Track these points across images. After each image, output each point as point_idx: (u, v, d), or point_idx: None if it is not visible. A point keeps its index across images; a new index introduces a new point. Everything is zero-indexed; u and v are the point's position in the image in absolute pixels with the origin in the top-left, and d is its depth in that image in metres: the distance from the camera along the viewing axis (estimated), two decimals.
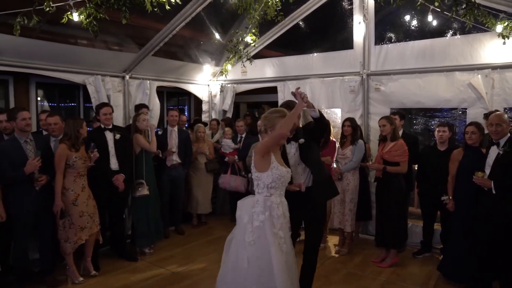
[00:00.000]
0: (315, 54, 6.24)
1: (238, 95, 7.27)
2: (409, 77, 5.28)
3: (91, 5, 3.60)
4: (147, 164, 4.96)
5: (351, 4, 5.66)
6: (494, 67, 4.69)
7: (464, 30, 4.54)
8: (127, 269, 4.60)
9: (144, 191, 4.82)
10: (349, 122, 5.02)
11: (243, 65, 5.88)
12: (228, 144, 6.11)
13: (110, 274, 4.43)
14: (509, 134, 3.62)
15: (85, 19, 3.65)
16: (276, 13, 4.90)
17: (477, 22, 4.29)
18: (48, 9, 3.49)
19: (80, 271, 4.27)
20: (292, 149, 3.23)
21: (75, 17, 3.65)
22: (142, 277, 4.40)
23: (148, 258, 4.92)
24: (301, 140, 3.17)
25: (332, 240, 5.47)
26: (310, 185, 3.22)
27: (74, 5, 3.64)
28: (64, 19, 3.67)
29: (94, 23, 3.68)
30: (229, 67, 6.51)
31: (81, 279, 4.17)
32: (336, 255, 5.06)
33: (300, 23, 6.23)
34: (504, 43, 4.36)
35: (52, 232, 4.06)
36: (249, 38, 5.39)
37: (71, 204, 3.99)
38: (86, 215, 4.07)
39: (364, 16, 5.47)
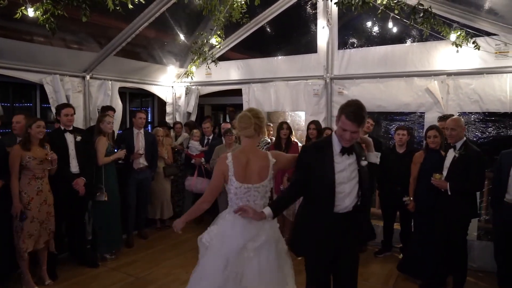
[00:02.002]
0: (280, 57, 6.31)
1: (202, 97, 7.21)
2: (371, 82, 5.45)
3: (48, 1, 3.44)
4: (107, 169, 4.78)
5: (315, 8, 5.77)
6: (449, 74, 4.94)
7: (422, 38, 4.75)
8: (87, 276, 4.43)
9: (102, 197, 4.65)
10: (314, 125, 5.11)
11: (208, 67, 5.85)
12: (195, 146, 6.05)
13: (68, 282, 4.24)
14: (464, 138, 3.82)
15: (42, 16, 3.48)
16: (241, 15, 4.91)
17: (434, 30, 4.50)
18: None
19: (36, 279, 4.06)
20: (344, 162, 2.53)
21: (30, 12, 3.47)
22: (104, 283, 4.24)
23: (109, 264, 4.76)
24: (364, 163, 2.57)
25: None
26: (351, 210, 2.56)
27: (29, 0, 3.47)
28: (18, 14, 3.48)
29: (52, 20, 3.51)
30: (193, 68, 6.45)
31: None
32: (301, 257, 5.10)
33: (265, 26, 6.27)
34: (457, 51, 4.60)
35: (8, 238, 3.85)
36: (214, 40, 5.37)
37: (24, 207, 3.81)
38: (36, 221, 3.88)
39: (328, 21, 5.59)
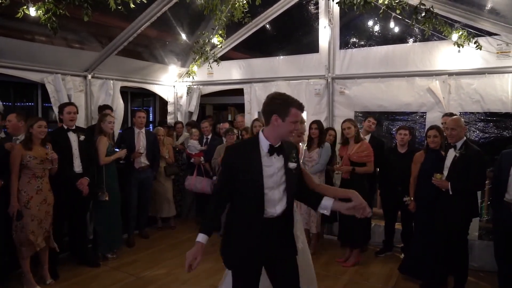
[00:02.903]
0: (281, 57, 6.31)
1: (203, 96, 7.21)
2: (372, 81, 5.45)
3: (49, 0, 3.44)
4: (108, 168, 4.78)
5: (317, 8, 5.77)
6: (451, 74, 4.94)
7: (423, 38, 4.74)
8: (88, 275, 4.43)
9: (103, 197, 4.65)
10: (316, 124, 5.10)
11: (210, 66, 5.85)
12: (194, 146, 6.05)
13: (69, 282, 4.25)
14: (465, 138, 3.82)
15: (43, 15, 3.48)
16: (243, 15, 4.91)
17: (435, 30, 4.49)
18: (0, 1, 3.30)
19: (37, 279, 4.06)
20: (273, 164, 2.36)
21: (32, 12, 3.48)
22: (104, 283, 4.25)
23: (110, 263, 4.77)
24: (292, 165, 2.40)
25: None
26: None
27: None
28: (20, 13, 3.48)
29: (53, 19, 3.51)
30: (195, 68, 6.46)
31: (37, 287, 3.96)
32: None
33: (267, 25, 6.27)
34: (459, 51, 4.59)
35: (6, 237, 3.85)
36: (215, 40, 5.36)
37: (23, 206, 3.82)
38: (35, 220, 3.89)
39: (330, 20, 5.59)
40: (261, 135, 2.36)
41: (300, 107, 2.31)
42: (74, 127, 4.48)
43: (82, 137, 4.48)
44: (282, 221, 2.39)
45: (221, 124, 6.68)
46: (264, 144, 2.33)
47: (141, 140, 5.45)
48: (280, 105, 2.28)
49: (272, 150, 2.32)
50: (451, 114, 4.30)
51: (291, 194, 2.40)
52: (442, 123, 4.44)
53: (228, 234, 2.46)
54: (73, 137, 4.44)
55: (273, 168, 2.32)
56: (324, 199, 2.43)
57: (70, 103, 4.62)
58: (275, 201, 2.33)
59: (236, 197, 2.37)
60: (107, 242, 4.83)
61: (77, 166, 4.43)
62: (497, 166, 3.90)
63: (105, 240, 4.81)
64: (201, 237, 2.28)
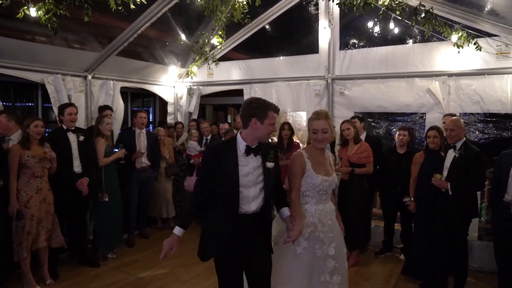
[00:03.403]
0: (281, 57, 6.31)
1: (203, 97, 7.21)
2: (372, 82, 5.45)
3: (50, 1, 3.44)
4: (107, 169, 4.78)
5: (317, 9, 5.77)
6: (450, 75, 4.94)
7: (423, 39, 4.75)
8: (88, 275, 4.44)
9: (103, 197, 4.66)
10: None
11: (209, 67, 5.85)
12: (194, 147, 6.05)
13: (69, 282, 4.25)
14: (464, 138, 3.83)
15: (44, 15, 3.48)
16: (243, 15, 4.91)
17: (435, 31, 4.50)
18: (1, 2, 3.30)
19: (37, 279, 4.07)
20: (249, 164, 2.50)
21: (33, 12, 3.47)
22: (104, 283, 4.25)
23: (110, 263, 4.77)
24: (270, 164, 2.52)
25: None
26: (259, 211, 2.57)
27: None
28: (20, 13, 3.48)
29: (54, 19, 3.51)
30: (195, 69, 6.46)
31: (37, 287, 3.97)
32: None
33: (267, 26, 6.28)
34: (458, 52, 4.60)
35: (6, 237, 3.84)
36: (215, 40, 5.36)
37: (23, 206, 3.83)
38: (34, 219, 3.89)
39: (330, 21, 5.60)
40: (239, 137, 2.51)
41: (276, 110, 2.48)
42: (73, 128, 4.48)
43: (81, 138, 4.48)
44: (257, 218, 2.53)
45: (221, 124, 6.69)
46: (241, 145, 2.48)
47: (142, 141, 5.46)
48: (258, 109, 2.44)
49: (248, 151, 2.46)
50: (453, 115, 4.30)
51: (268, 192, 2.54)
52: (443, 123, 4.45)
53: (205, 228, 2.62)
54: (72, 137, 4.45)
55: (248, 167, 2.46)
56: (286, 209, 2.72)
57: (71, 104, 4.62)
58: (250, 199, 2.47)
59: (213, 194, 2.50)
60: (107, 242, 4.84)
61: (77, 166, 4.44)
62: (497, 166, 3.91)
63: (105, 240, 4.81)
64: (177, 230, 2.51)
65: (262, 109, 2.44)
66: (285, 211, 2.70)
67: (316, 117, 2.82)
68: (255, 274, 2.58)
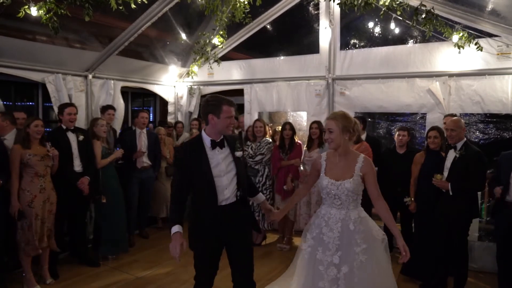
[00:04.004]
0: (282, 57, 6.32)
1: (204, 97, 7.20)
2: (372, 82, 5.45)
3: (51, 0, 3.45)
4: (106, 171, 4.77)
5: (318, 9, 5.77)
6: (451, 75, 4.94)
7: (424, 39, 4.75)
8: (88, 275, 4.43)
9: (101, 199, 4.65)
10: (316, 124, 5.11)
11: (210, 67, 5.85)
12: None
13: (69, 281, 4.25)
14: (465, 139, 3.83)
15: (45, 15, 3.48)
16: (244, 15, 4.90)
17: (436, 31, 4.50)
18: (2, 1, 3.30)
19: (37, 278, 4.07)
20: (217, 156, 2.70)
21: (34, 11, 3.47)
22: (104, 283, 4.25)
23: (110, 263, 4.77)
24: (239, 154, 2.78)
25: (298, 242, 5.53)
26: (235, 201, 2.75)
27: None
28: (21, 13, 3.49)
29: (55, 19, 3.51)
30: (195, 68, 6.47)
31: (38, 287, 3.97)
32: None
33: (268, 26, 6.28)
34: (459, 52, 4.60)
35: (6, 237, 3.85)
36: (216, 40, 5.36)
37: (27, 206, 3.83)
38: (39, 219, 3.90)
39: (330, 21, 5.60)
40: (203, 133, 2.74)
41: (230, 103, 2.65)
42: (73, 127, 4.49)
43: (81, 137, 4.48)
44: (236, 207, 2.71)
45: None
46: (206, 140, 2.70)
47: (142, 140, 5.46)
48: (213, 105, 2.65)
49: (214, 144, 2.68)
50: (453, 116, 4.30)
51: (241, 179, 2.74)
52: (444, 123, 4.45)
53: (192, 221, 2.82)
54: (72, 137, 4.45)
55: (217, 158, 2.68)
56: (260, 194, 2.99)
57: (70, 104, 4.62)
58: (223, 187, 2.67)
59: (193, 189, 2.73)
60: (110, 243, 4.78)
61: (77, 166, 4.44)
62: (497, 167, 3.90)
63: (107, 242, 4.76)
64: (175, 228, 2.61)
65: (216, 105, 2.63)
66: (260, 196, 2.96)
67: (328, 117, 2.87)
68: (237, 263, 2.78)
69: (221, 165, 2.67)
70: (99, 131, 4.72)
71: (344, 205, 2.73)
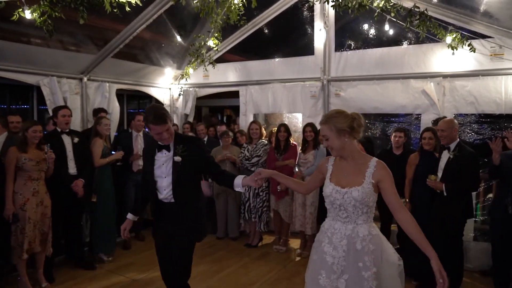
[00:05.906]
0: (277, 59, 6.33)
1: (199, 99, 7.21)
2: (367, 83, 5.48)
3: (45, 3, 3.44)
4: (102, 171, 4.77)
5: (312, 11, 5.79)
6: (445, 76, 4.97)
7: (418, 40, 4.77)
8: (84, 278, 4.42)
9: (91, 198, 4.66)
10: (310, 127, 5.13)
11: (205, 69, 5.86)
12: None
13: (65, 285, 4.24)
14: (458, 139, 3.85)
15: (39, 17, 3.48)
16: (238, 17, 4.91)
17: (430, 33, 4.52)
18: None
19: (32, 282, 4.04)
20: (161, 158, 2.89)
21: (28, 14, 3.46)
22: (100, 286, 4.24)
23: (106, 266, 4.76)
24: (177, 158, 2.83)
25: (294, 243, 5.54)
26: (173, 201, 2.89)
27: (26, 1, 3.45)
28: (15, 16, 3.48)
29: (49, 21, 3.51)
30: (190, 70, 6.47)
31: None
32: (298, 258, 5.12)
33: (263, 28, 6.29)
34: (453, 53, 4.63)
35: (1, 240, 3.83)
36: (211, 42, 5.36)
37: (19, 209, 3.82)
38: (31, 222, 3.88)
39: (325, 23, 5.62)
40: None
41: (155, 122, 2.70)
42: (67, 130, 4.48)
43: (76, 140, 4.48)
44: (176, 207, 2.89)
45: (218, 126, 6.69)
46: (156, 143, 2.91)
47: (139, 143, 5.45)
48: (145, 120, 2.89)
49: (159, 147, 2.88)
50: (438, 121, 4.30)
51: (176, 183, 2.85)
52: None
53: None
54: (67, 139, 4.44)
55: (160, 161, 2.89)
56: (236, 178, 2.84)
57: (64, 106, 4.62)
58: (162, 188, 2.89)
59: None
60: (102, 243, 4.82)
61: (72, 168, 4.43)
62: (497, 167, 3.91)
63: (99, 243, 4.79)
64: (130, 216, 3.04)
65: (145, 122, 2.96)
66: (238, 179, 2.83)
67: (320, 121, 2.46)
68: (170, 259, 2.99)
69: (162, 167, 2.87)
70: (102, 129, 4.74)
71: (351, 219, 2.29)
